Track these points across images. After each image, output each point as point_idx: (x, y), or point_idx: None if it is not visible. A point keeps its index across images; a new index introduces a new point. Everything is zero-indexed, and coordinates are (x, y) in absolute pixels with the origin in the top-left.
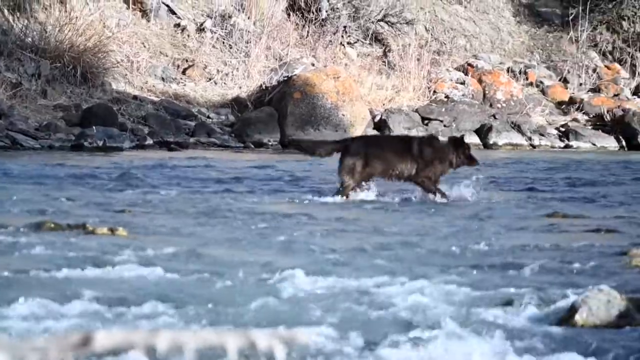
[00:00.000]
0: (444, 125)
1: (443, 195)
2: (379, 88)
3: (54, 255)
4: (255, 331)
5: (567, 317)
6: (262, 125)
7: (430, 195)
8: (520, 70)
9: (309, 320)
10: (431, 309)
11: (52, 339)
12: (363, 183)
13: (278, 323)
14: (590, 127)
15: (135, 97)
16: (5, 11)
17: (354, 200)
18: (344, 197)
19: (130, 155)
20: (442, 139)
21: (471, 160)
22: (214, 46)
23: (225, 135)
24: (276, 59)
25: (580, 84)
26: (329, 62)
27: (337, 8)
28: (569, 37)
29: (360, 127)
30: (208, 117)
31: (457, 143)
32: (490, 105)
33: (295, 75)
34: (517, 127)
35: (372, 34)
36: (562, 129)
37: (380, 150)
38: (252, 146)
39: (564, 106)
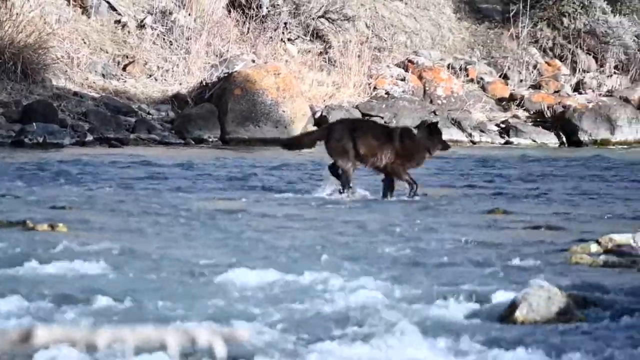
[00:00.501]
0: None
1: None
2: (320, 84)
3: None
4: (196, 327)
5: (507, 314)
6: (203, 122)
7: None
8: (460, 66)
9: (249, 316)
10: (372, 305)
11: None
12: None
13: (218, 319)
14: (530, 124)
15: (75, 94)
16: None
17: (299, 197)
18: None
19: (70, 152)
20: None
21: (445, 146)
22: (154, 43)
23: (166, 132)
24: (216, 56)
25: (521, 81)
26: (269, 59)
27: (278, 4)
28: (509, 33)
29: (301, 124)
30: (148, 113)
31: (433, 130)
32: (431, 102)
33: (235, 71)
34: (458, 124)
35: (312, 31)
36: (503, 126)
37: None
38: (193, 142)
39: (504, 102)
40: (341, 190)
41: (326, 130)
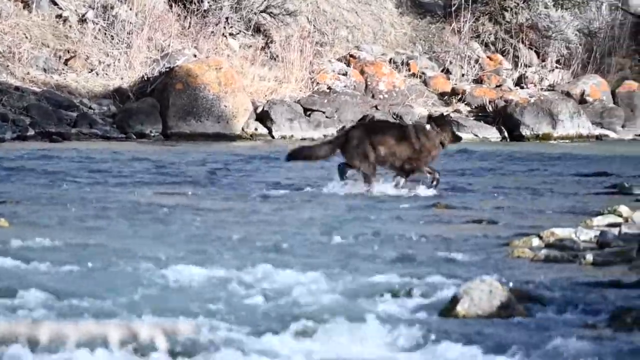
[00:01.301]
0: (326, 117)
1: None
2: (262, 79)
3: None
4: (138, 322)
5: (449, 308)
6: (144, 116)
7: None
8: (402, 61)
9: (192, 311)
10: (315, 300)
11: None
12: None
13: (160, 314)
14: (472, 118)
15: (17, 88)
16: None
17: (242, 193)
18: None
19: (11, 146)
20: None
21: (456, 138)
22: (96, 37)
23: (107, 126)
24: (158, 50)
25: (463, 75)
26: (211, 53)
27: None
28: (451, 28)
29: (243, 119)
30: (90, 108)
31: (444, 123)
32: (373, 97)
33: (177, 66)
34: (400, 118)
35: (254, 25)
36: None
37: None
38: (134, 137)
39: (446, 97)
40: (367, 189)
41: (344, 137)
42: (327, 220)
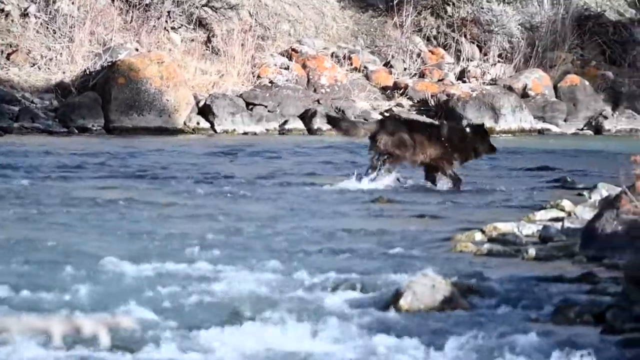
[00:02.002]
0: (268, 111)
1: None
2: (203, 73)
3: None
4: (80, 317)
5: (392, 302)
6: (86, 110)
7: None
8: (344, 55)
9: (134, 305)
10: (257, 294)
11: None
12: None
13: (102, 308)
14: (414, 112)
15: None
16: None
17: (183, 187)
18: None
19: None
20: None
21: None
22: (38, 31)
23: (50, 121)
24: (100, 44)
25: (405, 69)
26: (153, 47)
27: None
28: (393, 22)
29: (185, 112)
30: (32, 102)
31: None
32: (315, 91)
33: (119, 60)
34: (342, 112)
35: (196, 19)
36: (387, 114)
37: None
38: (76, 131)
39: (388, 91)
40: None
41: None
42: (269, 215)
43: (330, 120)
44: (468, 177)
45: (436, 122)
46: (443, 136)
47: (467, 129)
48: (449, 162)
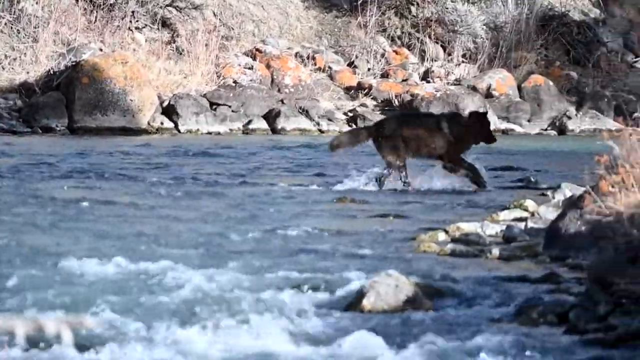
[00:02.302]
0: (232, 111)
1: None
2: (168, 73)
3: None
4: (43, 317)
5: (355, 302)
6: (50, 110)
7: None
8: (308, 55)
9: (97, 305)
10: (220, 294)
11: None
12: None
13: (67, 308)
14: (378, 112)
15: None
16: None
17: (146, 187)
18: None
19: None
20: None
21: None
22: (1, 31)
23: (13, 121)
24: (64, 44)
25: (369, 69)
26: (117, 48)
27: None
28: (357, 22)
29: (149, 112)
30: None
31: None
32: (279, 90)
33: (83, 60)
34: (306, 112)
35: (160, 19)
36: (350, 114)
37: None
38: (40, 131)
39: (352, 91)
40: (404, 183)
41: (375, 127)
42: (231, 215)
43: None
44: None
45: (435, 113)
46: (443, 128)
47: (469, 116)
48: (454, 154)
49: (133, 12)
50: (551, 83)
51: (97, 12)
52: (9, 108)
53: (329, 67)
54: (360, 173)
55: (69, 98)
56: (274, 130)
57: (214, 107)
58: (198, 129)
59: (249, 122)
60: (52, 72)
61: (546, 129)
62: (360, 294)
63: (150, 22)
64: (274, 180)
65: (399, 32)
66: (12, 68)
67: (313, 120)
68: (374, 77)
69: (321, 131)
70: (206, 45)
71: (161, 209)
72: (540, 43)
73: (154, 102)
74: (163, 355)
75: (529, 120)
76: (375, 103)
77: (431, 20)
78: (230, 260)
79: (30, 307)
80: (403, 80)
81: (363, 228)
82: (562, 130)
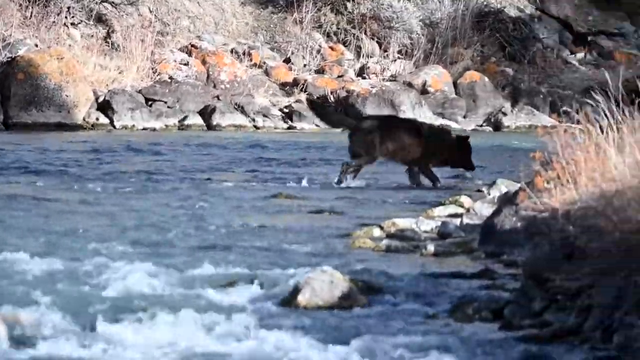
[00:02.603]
0: (168, 106)
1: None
2: (103, 69)
3: None
4: None
5: (290, 298)
6: None
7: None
8: (244, 51)
9: (32, 301)
10: (153, 290)
11: None
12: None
13: (0, 304)
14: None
15: None
16: None
17: (82, 183)
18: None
19: None
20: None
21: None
22: None
23: None
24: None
25: (305, 65)
26: (52, 43)
27: None
28: (293, 18)
29: (84, 108)
30: None
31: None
32: (214, 86)
33: (18, 56)
34: (241, 108)
35: (95, 15)
36: (286, 110)
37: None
38: None
39: (288, 87)
40: (339, 181)
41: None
42: (167, 211)
43: (314, 106)
44: (367, 174)
45: (417, 120)
46: (422, 136)
47: (451, 135)
48: (425, 162)
49: (69, 7)
50: (487, 79)
51: (32, 7)
52: None
53: (265, 63)
54: (297, 169)
55: (4, 94)
56: (210, 127)
57: (150, 103)
58: (134, 125)
59: (185, 118)
60: None
61: (482, 125)
62: (295, 290)
63: (85, 18)
64: (210, 176)
65: (334, 28)
66: None
67: (248, 116)
68: (310, 73)
69: (256, 127)
70: (142, 41)
71: (96, 206)
72: (476, 39)
73: (89, 98)
74: (95, 350)
75: (464, 117)
76: (311, 99)
77: (367, 17)
78: (164, 257)
79: None
80: (339, 77)
81: (299, 224)
82: (497, 127)
